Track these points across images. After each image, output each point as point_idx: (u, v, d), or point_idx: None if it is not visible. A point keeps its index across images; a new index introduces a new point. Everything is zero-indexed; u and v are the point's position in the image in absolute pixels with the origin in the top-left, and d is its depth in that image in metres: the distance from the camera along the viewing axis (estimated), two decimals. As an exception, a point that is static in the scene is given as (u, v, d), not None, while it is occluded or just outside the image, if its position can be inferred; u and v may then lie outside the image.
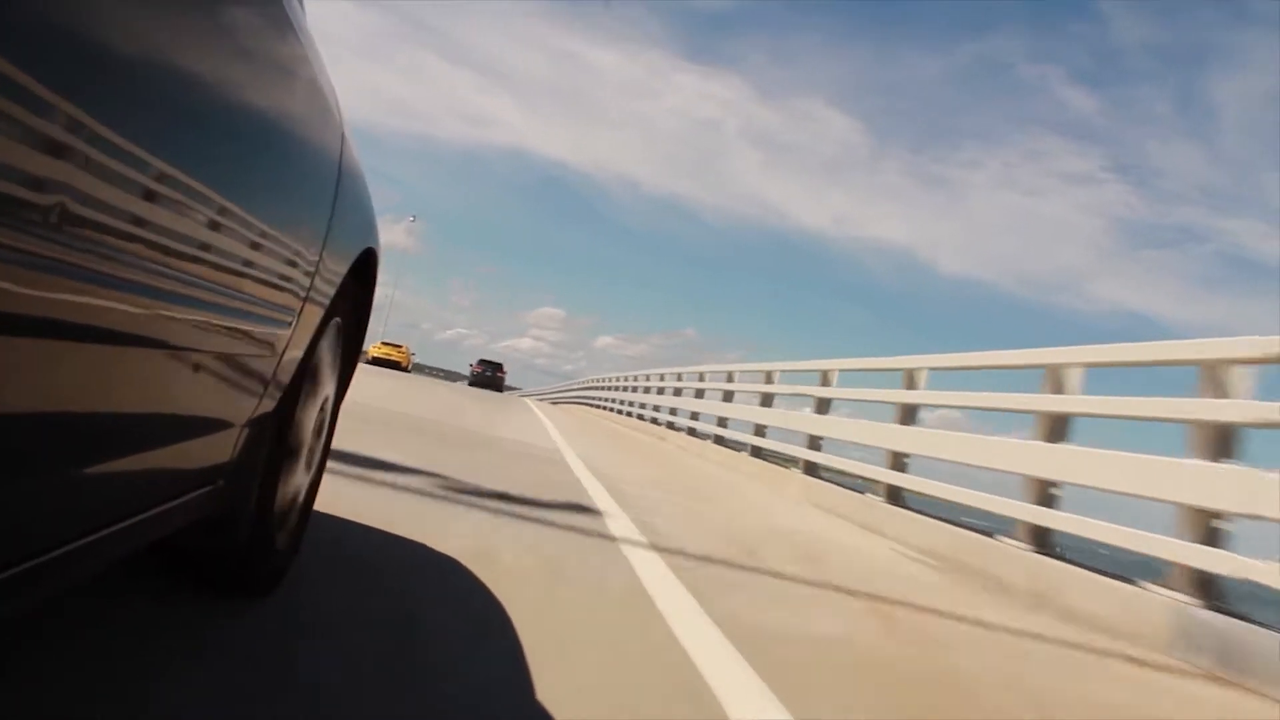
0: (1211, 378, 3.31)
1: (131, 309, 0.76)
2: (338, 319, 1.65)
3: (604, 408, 20.07)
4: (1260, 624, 2.82)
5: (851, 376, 7.07)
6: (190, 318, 0.91)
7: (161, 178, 0.75)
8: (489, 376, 36.03)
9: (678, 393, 13.43)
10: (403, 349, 34.23)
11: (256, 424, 1.35)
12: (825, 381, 7.30)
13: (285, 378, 1.39)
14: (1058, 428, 4.17)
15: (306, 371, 1.50)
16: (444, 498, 3.16)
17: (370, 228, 1.71)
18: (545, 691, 1.40)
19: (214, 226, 0.90)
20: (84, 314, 0.67)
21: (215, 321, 0.99)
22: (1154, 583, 3.29)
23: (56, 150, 0.58)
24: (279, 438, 1.46)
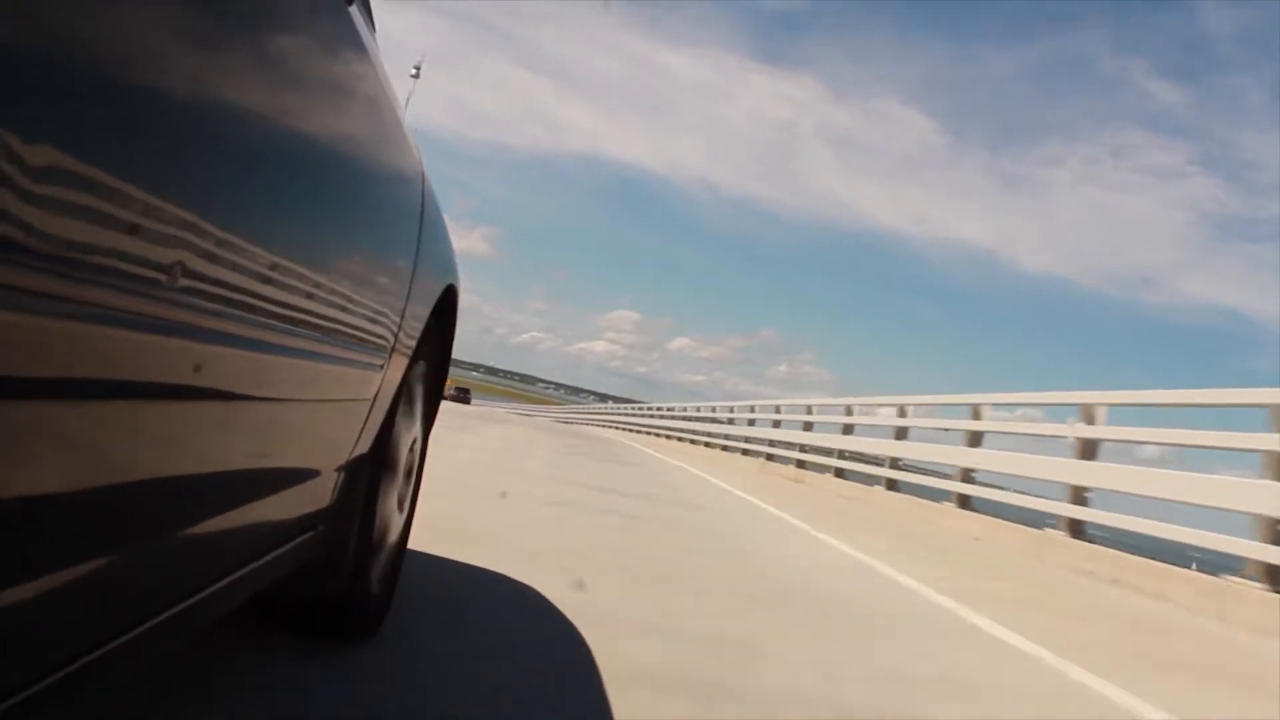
0: None
1: (235, 360, 0.75)
2: (422, 361, 1.64)
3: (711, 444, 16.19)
4: None
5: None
6: (291, 366, 0.90)
7: (260, 229, 0.74)
8: (459, 396, 52.12)
9: (810, 424, 11.13)
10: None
11: (353, 468, 1.34)
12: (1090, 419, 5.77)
13: (378, 421, 1.39)
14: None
15: (398, 412, 1.49)
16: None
17: (450, 264, 1.71)
18: None
19: (310, 274, 0.89)
20: (190, 372, 0.67)
21: (314, 369, 0.98)
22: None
23: (163, 211, 0.57)
24: (374, 480, 1.45)
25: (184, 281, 0.60)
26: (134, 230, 0.53)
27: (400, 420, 1.54)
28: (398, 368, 1.41)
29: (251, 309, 0.74)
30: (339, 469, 1.28)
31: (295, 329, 0.87)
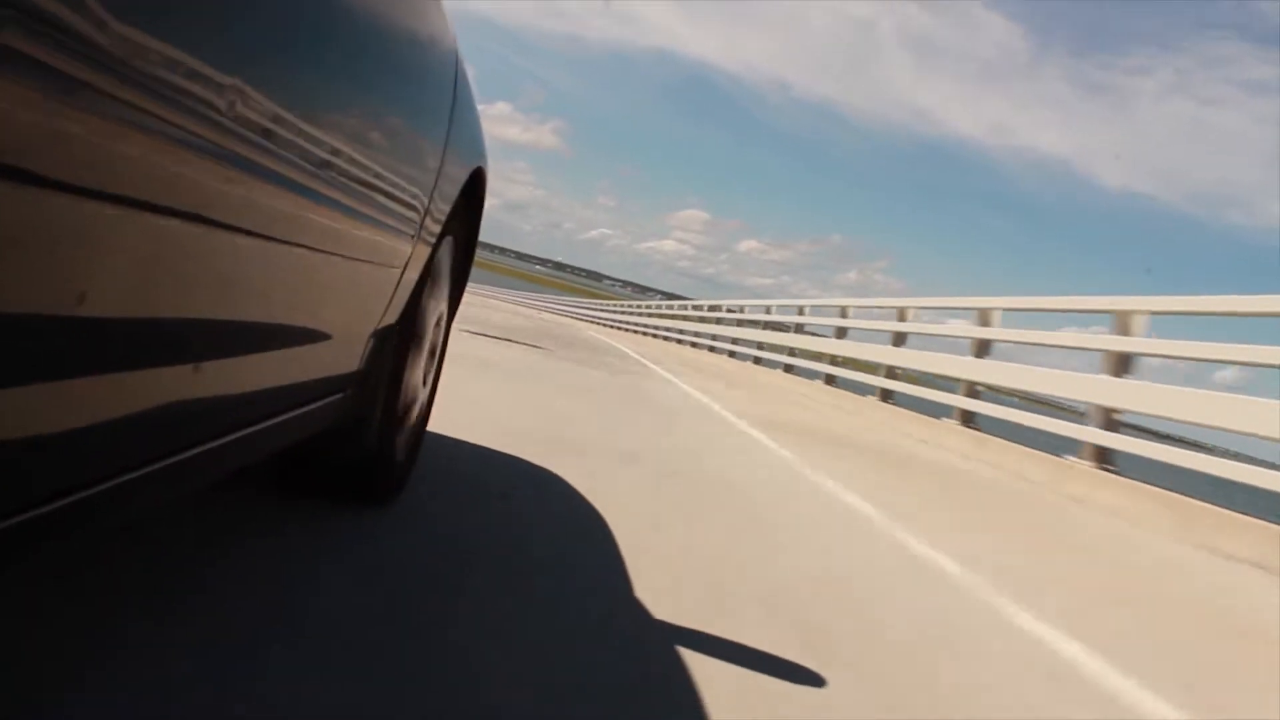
0: None
1: (274, 206, 0.79)
2: (450, 237, 1.69)
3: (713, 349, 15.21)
4: None
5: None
6: (327, 223, 0.94)
7: (299, 92, 0.78)
8: None
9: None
10: None
11: (382, 335, 1.40)
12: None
13: (407, 290, 1.43)
14: None
15: (426, 286, 1.54)
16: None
17: (480, 147, 1.73)
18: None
19: (346, 138, 0.92)
20: (226, 208, 0.70)
21: (348, 230, 1.02)
22: None
23: (218, 61, 0.62)
24: (402, 350, 1.51)
25: (234, 117, 0.64)
26: (193, 48, 0.58)
27: (427, 295, 1.59)
28: (427, 241, 1.45)
29: (293, 156, 0.77)
30: (369, 335, 1.34)
31: (334, 180, 0.90)
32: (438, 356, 1.87)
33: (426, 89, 1.34)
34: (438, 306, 1.72)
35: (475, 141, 1.67)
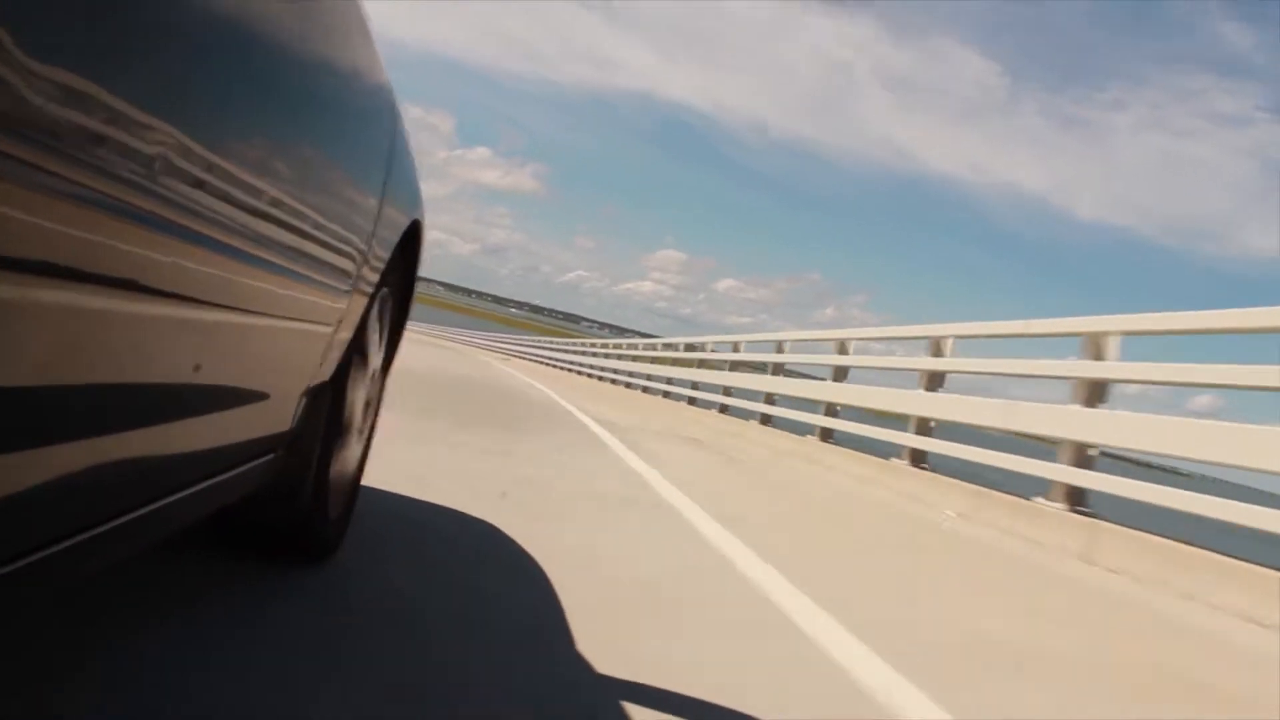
0: None
1: (200, 270, 0.77)
2: (386, 289, 1.67)
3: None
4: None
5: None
6: (255, 284, 0.92)
7: (229, 150, 0.76)
8: None
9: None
10: None
11: (314, 394, 1.37)
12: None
13: (341, 347, 1.41)
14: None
15: (360, 342, 1.52)
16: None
17: (417, 200, 1.72)
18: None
19: (276, 197, 0.90)
20: (155, 274, 0.68)
21: (277, 290, 1.00)
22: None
23: (141, 124, 0.59)
24: (336, 407, 1.48)
25: (160, 177, 0.62)
26: (114, 121, 0.56)
27: (362, 350, 1.57)
28: (361, 297, 1.43)
29: (222, 217, 0.76)
30: (301, 394, 1.31)
31: (262, 243, 0.88)
32: (374, 410, 1.83)
33: (362, 143, 1.33)
34: (373, 360, 1.69)
35: (412, 193, 1.66)
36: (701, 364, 11.51)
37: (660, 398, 12.37)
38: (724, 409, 9.76)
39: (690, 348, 12.29)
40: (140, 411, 0.77)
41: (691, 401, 11.06)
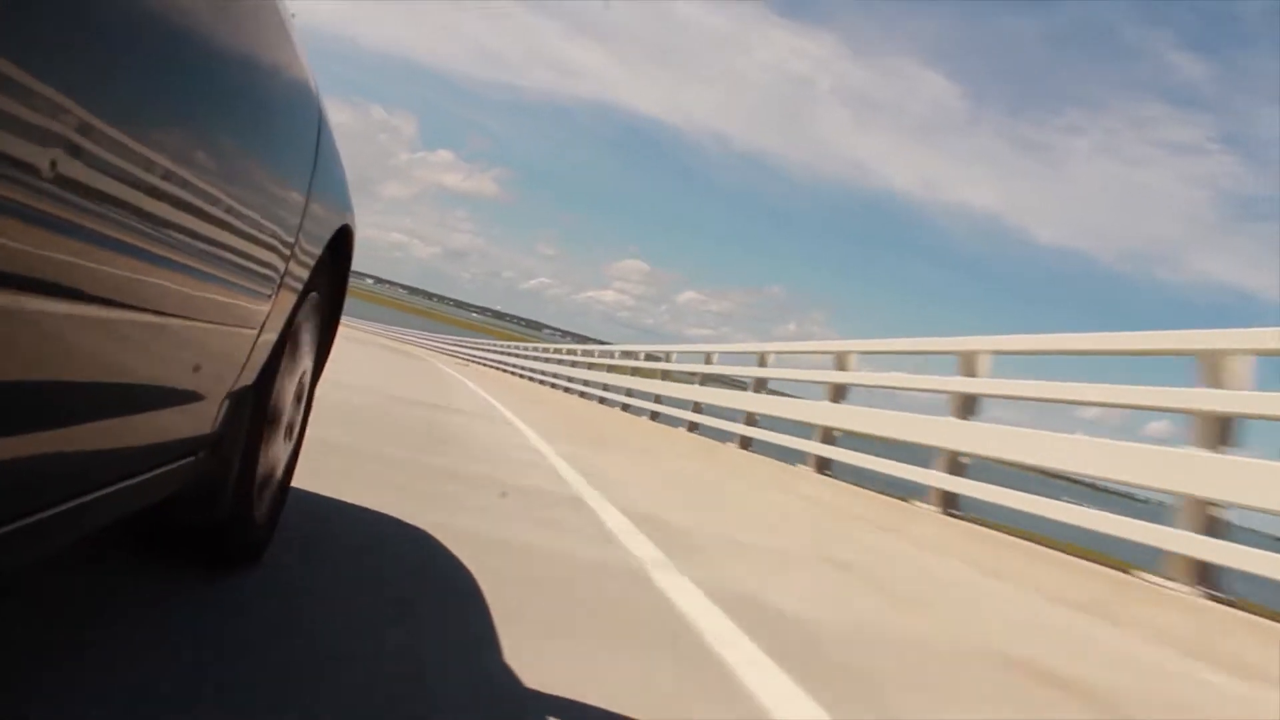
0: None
1: (115, 272, 0.77)
2: (315, 293, 1.67)
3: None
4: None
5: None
6: (173, 287, 0.92)
7: (145, 151, 0.76)
8: None
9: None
10: None
11: (237, 397, 1.37)
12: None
13: (265, 350, 1.41)
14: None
15: (285, 345, 1.51)
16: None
17: (346, 205, 1.72)
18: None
19: (194, 198, 0.91)
20: (66, 275, 0.69)
21: (197, 292, 1.00)
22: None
23: (48, 124, 0.59)
24: (259, 411, 1.48)
25: (65, 176, 0.62)
26: (18, 122, 0.56)
27: (288, 354, 1.56)
28: (286, 301, 1.42)
29: (141, 218, 0.76)
30: (224, 397, 1.31)
31: (178, 249, 0.88)
32: (302, 416, 1.83)
33: (285, 144, 1.33)
34: (303, 363, 1.69)
35: (340, 198, 1.66)
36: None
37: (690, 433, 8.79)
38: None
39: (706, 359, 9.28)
40: (54, 410, 0.77)
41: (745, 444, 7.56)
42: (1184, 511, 3.21)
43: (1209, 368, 3.29)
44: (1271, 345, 3.16)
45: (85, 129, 0.64)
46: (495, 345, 30.59)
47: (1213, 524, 3.14)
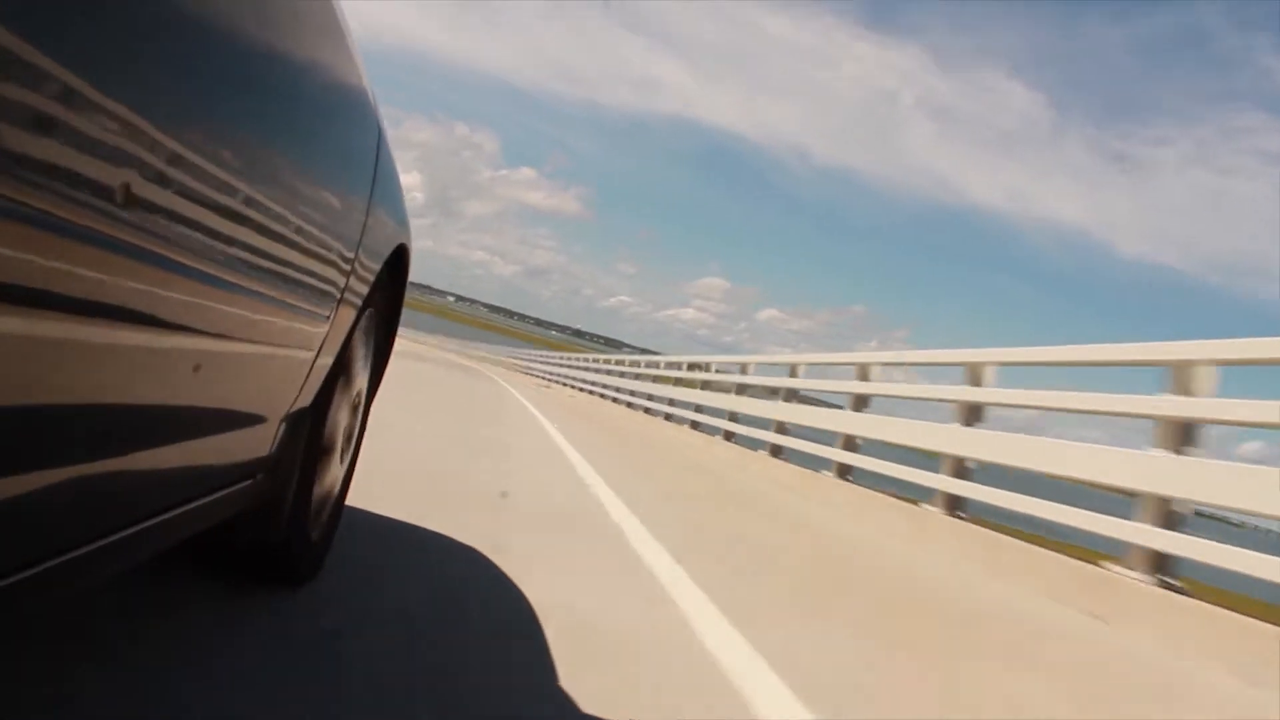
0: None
1: (184, 299, 0.77)
2: (371, 310, 1.67)
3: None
4: None
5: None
6: (233, 310, 0.92)
7: (207, 173, 0.75)
8: None
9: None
10: None
11: (295, 418, 1.36)
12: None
13: (323, 372, 1.41)
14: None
15: (342, 366, 1.52)
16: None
17: (403, 224, 1.72)
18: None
19: (255, 221, 0.90)
20: (131, 300, 0.68)
21: (260, 316, 1.00)
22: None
23: (110, 144, 0.59)
24: (316, 432, 1.48)
25: (133, 202, 0.62)
26: (86, 147, 0.55)
27: (344, 373, 1.56)
28: (344, 323, 1.42)
29: (201, 243, 0.76)
30: (281, 419, 1.31)
31: (238, 272, 0.88)
32: (356, 435, 1.83)
33: (344, 166, 1.32)
34: (358, 384, 1.69)
35: (397, 219, 1.66)
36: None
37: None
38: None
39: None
40: (116, 437, 0.77)
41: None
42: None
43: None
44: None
45: (143, 153, 0.63)
46: (577, 360, 23.04)
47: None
